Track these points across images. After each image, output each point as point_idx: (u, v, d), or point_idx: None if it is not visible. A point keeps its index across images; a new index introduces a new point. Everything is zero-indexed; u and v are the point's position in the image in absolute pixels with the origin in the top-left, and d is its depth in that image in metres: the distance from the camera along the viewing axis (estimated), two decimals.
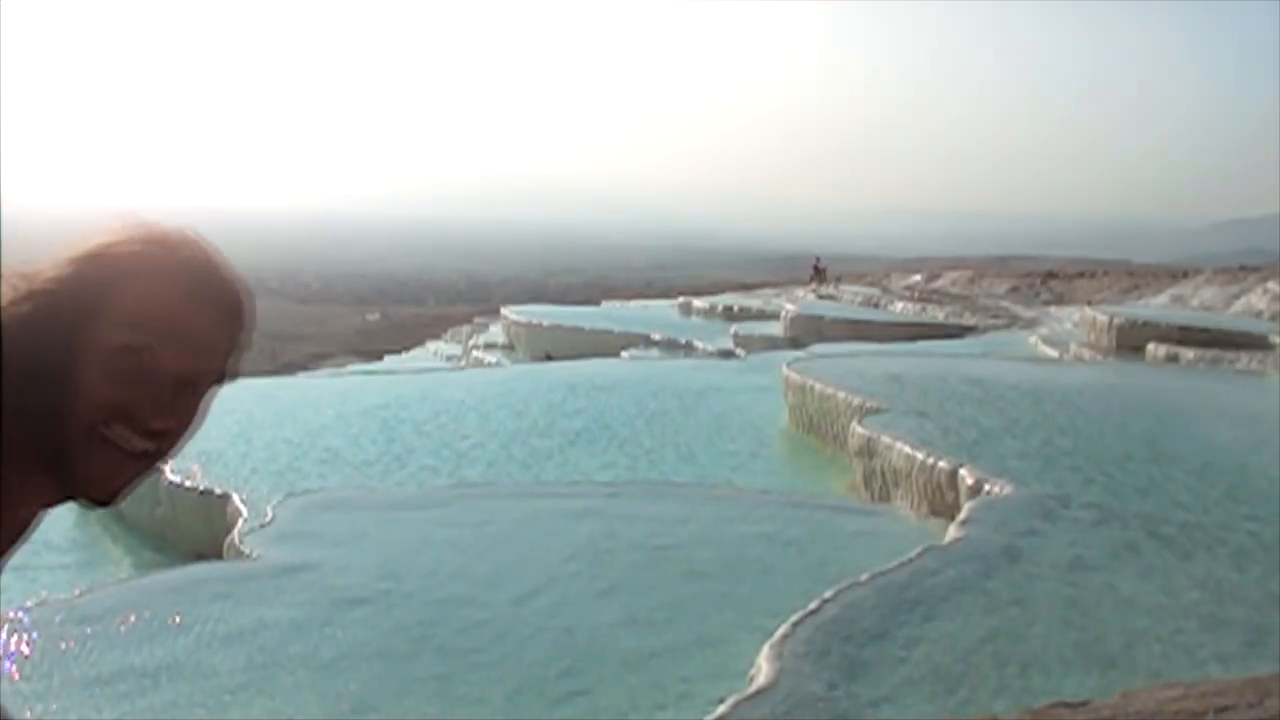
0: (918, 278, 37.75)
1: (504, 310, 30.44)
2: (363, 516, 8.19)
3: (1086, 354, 19.80)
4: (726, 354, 21.99)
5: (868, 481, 10.00)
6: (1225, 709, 3.78)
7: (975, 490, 8.42)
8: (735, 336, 24.20)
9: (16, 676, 5.37)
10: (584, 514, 8.24)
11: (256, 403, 13.46)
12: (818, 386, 12.39)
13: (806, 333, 23.87)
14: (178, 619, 6.09)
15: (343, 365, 31.14)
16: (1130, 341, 19.60)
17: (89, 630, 5.93)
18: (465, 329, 35.09)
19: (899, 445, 9.47)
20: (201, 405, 1.19)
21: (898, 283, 36.45)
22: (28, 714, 5.02)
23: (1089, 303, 27.40)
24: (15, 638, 5.80)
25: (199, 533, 9.05)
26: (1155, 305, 26.34)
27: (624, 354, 22.47)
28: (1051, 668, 5.31)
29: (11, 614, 6.35)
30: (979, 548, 6.84)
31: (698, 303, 32.96)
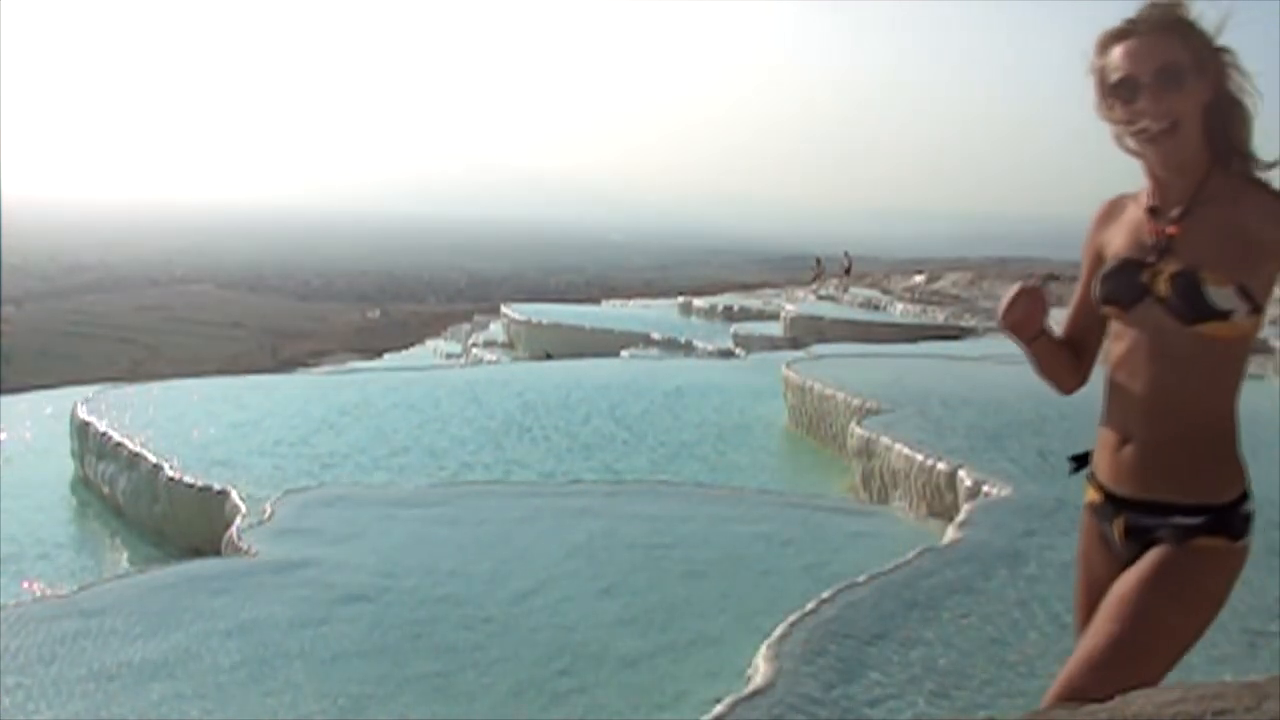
0: (918, 279, 37.73)
1: (504, 308, 30.45)
2: (362, 513, 8.19)
3: None
4: (726, 354, 22.00)
5: (866, 482, 10.00)
6: (1223, 712, 3.77)
7: (974, 492, 8.42)
8: (735, 336, 24.22)
9: (15, 672, 5.37)
10: (583, 513, 8.24)
11: (256, 399, 13.47)
12: (817, 387, 12.40)
13: (806, 333, 23.88)
14: (176, 615, 6.09)
15: (343, 362, 31.17)
16: None
17: (87, 626, 5.92)
18: (465, 327, 35.14)
19: (898, 446, 9.47)
20: None
21: (898, 284, 36.44)
22: (25, 710, 5.02)
23: None
24: (13, 633, 5.80)
25: (197, 528, 9.05)
26: None
27: (624, 353, 22.47)
28: (1049, 670, 5.30)
29: (10, 609, 6.35)
30: (978, 549, 6.84)
31: (698, 302, 32.99)
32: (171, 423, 11.77)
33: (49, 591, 7.60)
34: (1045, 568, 6.74)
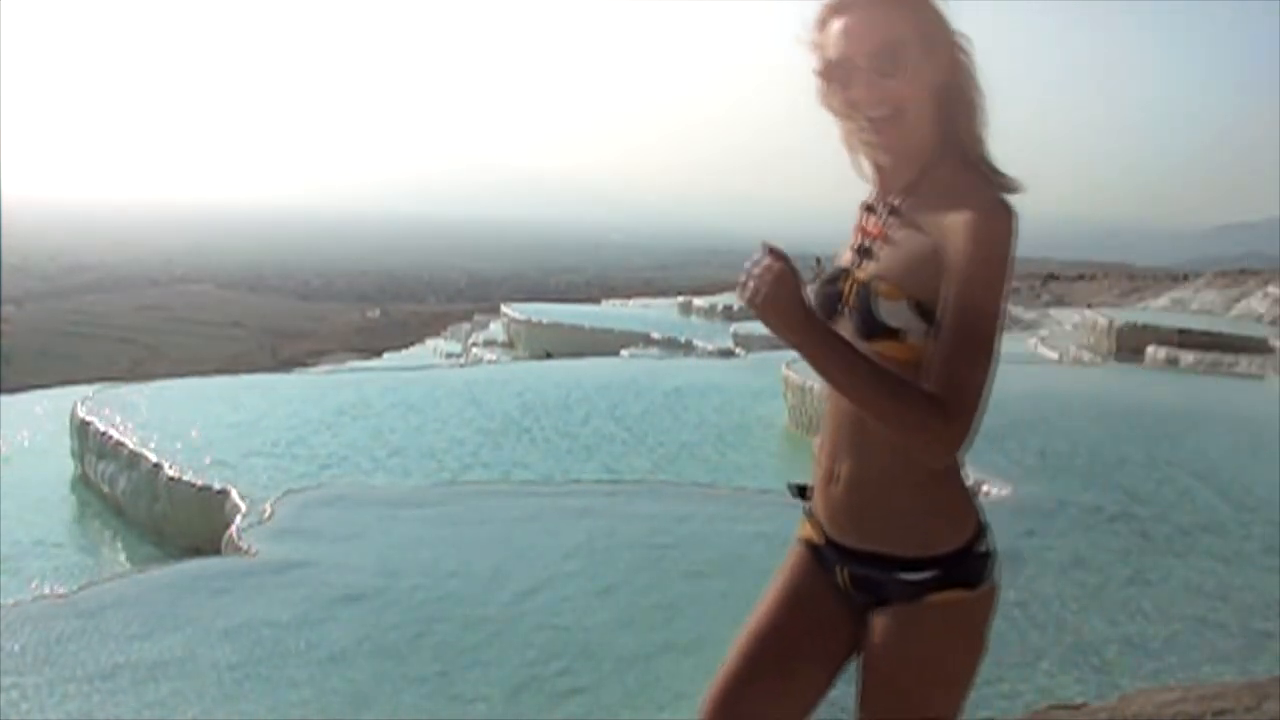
0: None
1: (504, 308, 30.45)
2: (361, 513, 8.19)
3: (1086, 356, 19.82)
4: (726, 353, 21.99)
5: None
6: (1223, 712, 3.78)
7: (974, 491, 8.41)
8: (735, 336, 24.20)
9: (15, 672, 5.37)
10: (582, 513, 8.24)
11: (256, 399, 13.47)
12: (817, 387, 12.39)
13: None
14: (176, 614, 6.09)
15: (343, 362, 31.17)
16: (1130, 344, 19.61)
17: (87, 625, 5.93)
18: (465, 326, 35.11)
19: None
20: None
21: None
22: (25, 709, 5.02)
23: (1089, 305, 27.41)
24: (13, 633, 5.80)
25: (197, 528, 9.05)
26: (1155, 308, 26.35)
27: (623, 353, 22.47)
28: (1048, 670, 5.31)
29: (9, 609, 6.35)
30: None
31: (698, 302, 32.98)
32: (171, 422, 11.77)
33: (49, 591, 7.60)
34: (1045, 568, 6.75)
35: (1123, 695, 4.38)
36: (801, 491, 2.14)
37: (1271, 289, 24.41)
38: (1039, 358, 20.11)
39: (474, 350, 27.35)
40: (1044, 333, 24.29)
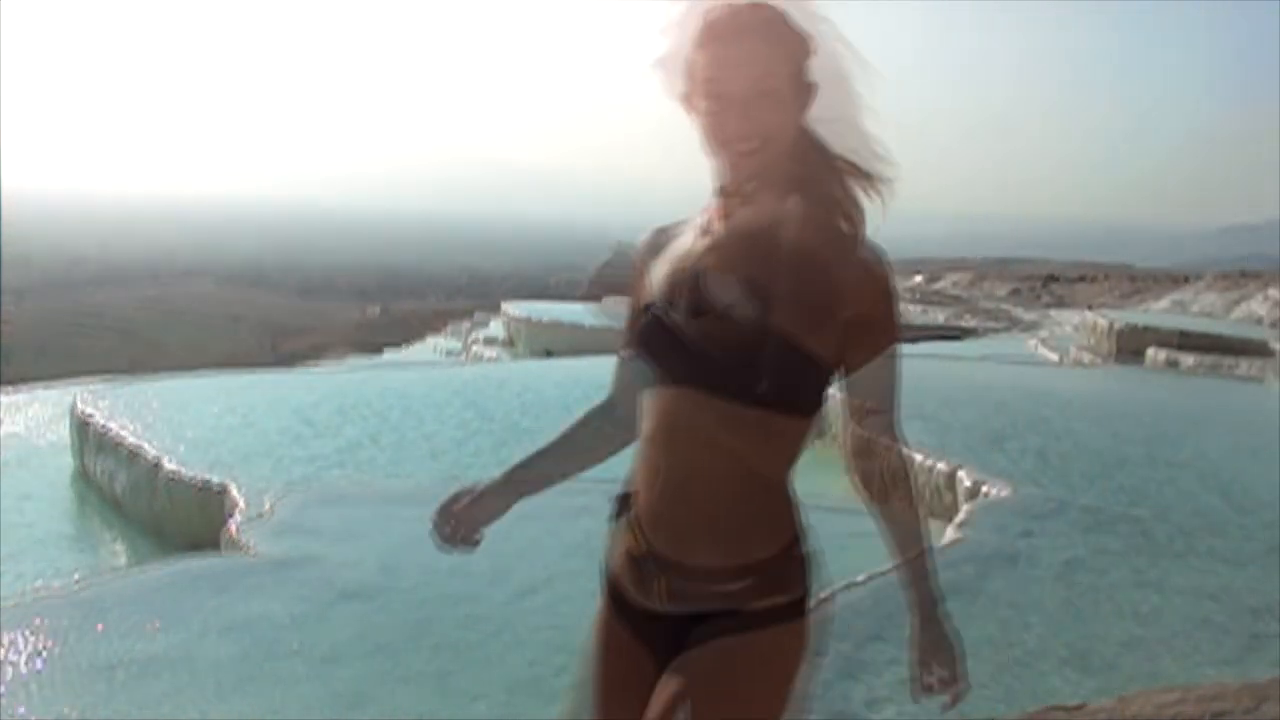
0: (918, 279, 37.75)
1: (504, 306, 30.45)
2: (362, 511, 8.20)
3: (1086, 358, 19.83)
4: None
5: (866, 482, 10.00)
6: (1222, 713, 3.78)
7: (973, 492, 8.42)
8: None
9: (14, 667, 5.37)
10: (582, 511, 8.20)
11: (256, 395, 13.47)
12: None
13: None
14: (175, 611, 6.09)
15: (343, 358, 31.16)
16: (1130, 346, 19.63)
17: (86, 621, 5.93)
18: (466, 324, 35.11)
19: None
20: None
21: (898, 284, 36.50)
22: (25, 707, 5.02)
23: (1090, 306, 27.43)
24: (12, 630, 5.80)
25: (197, 525, 9.04)
26: (1156, 310, 26.37)
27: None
28: (1048, 670, 5.31)
29: (9, 604, 6.35)
30: (976, 550, 6.84)
31: None
32: (171, 419, 11.77)
33: (47, 588, 7.60)
34: (1043, 569, 6.75)
35: (1122, 696, 4.38)
36: (623, 501, 2.06)
37: (1272, 291, 24.43)
38: (1039, 359, 20.11)
39: (474, 348, 27.35)
40: (1044, 334, 24.32)
